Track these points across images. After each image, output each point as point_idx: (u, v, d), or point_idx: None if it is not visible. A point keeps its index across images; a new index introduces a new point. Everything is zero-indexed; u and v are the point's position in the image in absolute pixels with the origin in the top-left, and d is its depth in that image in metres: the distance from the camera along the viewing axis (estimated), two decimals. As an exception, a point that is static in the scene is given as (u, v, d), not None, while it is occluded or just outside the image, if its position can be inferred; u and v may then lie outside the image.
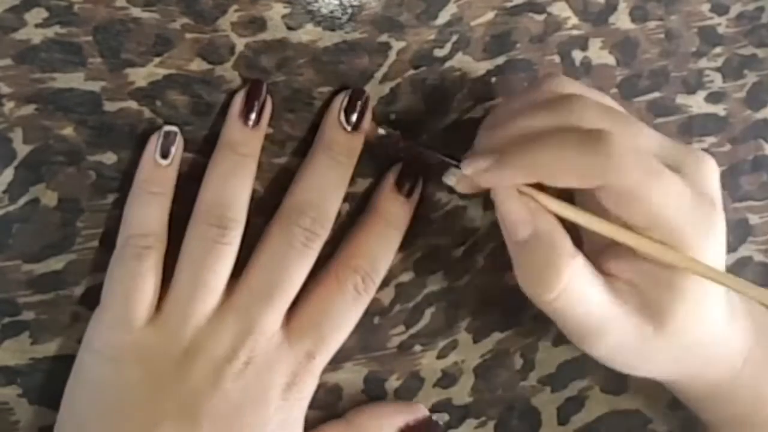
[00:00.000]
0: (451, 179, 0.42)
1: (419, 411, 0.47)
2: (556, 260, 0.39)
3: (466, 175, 0.41)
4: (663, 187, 0.38)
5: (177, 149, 0.42)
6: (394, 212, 0.45)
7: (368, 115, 0.44)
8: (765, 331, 0.44)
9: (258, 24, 0.43)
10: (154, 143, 0.42)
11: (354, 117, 0.44)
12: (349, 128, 0.44)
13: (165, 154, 0.42)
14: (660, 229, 0.39)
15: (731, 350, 0.43)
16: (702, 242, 0.39)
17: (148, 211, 0.42)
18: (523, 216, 0.39)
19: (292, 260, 0.42)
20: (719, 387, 0.44)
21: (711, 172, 0.40)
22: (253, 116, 0.43)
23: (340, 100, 0.44)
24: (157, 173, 0.42)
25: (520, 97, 0.43)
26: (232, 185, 0.42)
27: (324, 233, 0.43)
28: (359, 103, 0.44)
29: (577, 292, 0.40)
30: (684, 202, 0.38)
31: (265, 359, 0.42)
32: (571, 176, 0.38)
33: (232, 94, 0.44)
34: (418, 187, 0.46)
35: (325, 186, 0.43)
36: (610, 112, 0.40)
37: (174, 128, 0.43)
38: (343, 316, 0.44)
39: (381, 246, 0.45)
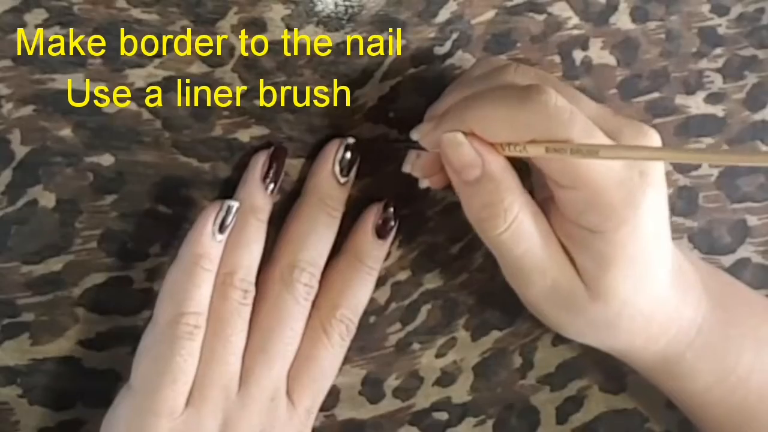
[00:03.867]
0: (406, 166, 0.43)
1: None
2: (507, 195, 0.39)
3: (417, 157, 0.42)
4: None
5: (233, 225, 0.41)
6: (374, 256, 0.45)
7: (356, 165, 0.45)
8: (719, 300, 0.44)
9: (258, 25, 0.43)
10: (214, 215, 0.41)
11: (349, 169, 0.44)
12: (342, 181, 0.44)
13: (223, 229, 0.41)
14: (585, 191, 0.38)
15: (682, 320, 0.43)
16: (628, 213, 0.39)
17: (201, 288, 0.41)
18: (473, 158, 0.39)
19: (297, 317, 0.43)
20: (675, 358, 0.44)
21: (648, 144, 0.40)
22: (273, 184, 0.43)
23: (335, 151, 0.44)
24: (214, 249, 0.41)
25: (460, 80, 0.44)
26: (252, 251, 0.42)
27: (317, 286, 0.43)
28: (353, 154, 0.44)
29: (522, 227, 0.40)
30: (612, 166, 0.38)
31: (279, 424, 0.42)
32: (505, 128, 0.38)
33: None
34: (395, 228, 0.46)
35: (321, 240, 0.44)
36: (549, 77, 0.41)
37: (236, 203, 0.41)
38: (334, 366, 0.44)
39: (363, 292, 0.45)
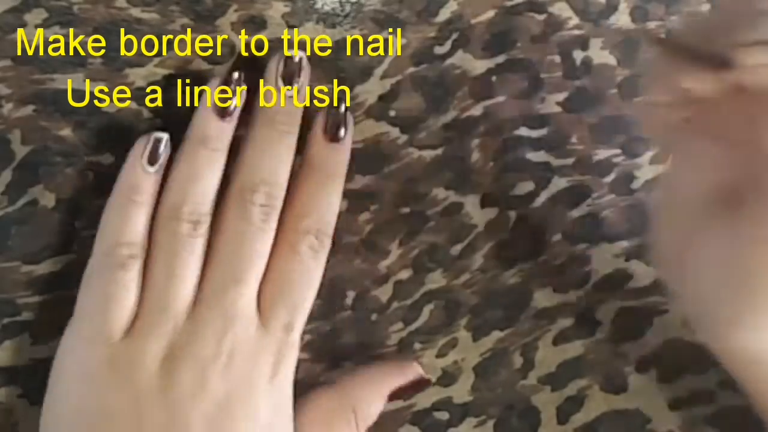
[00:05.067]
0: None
1: (410, 370, 0.46)
2: None
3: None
4: None
5: (164, 157, 0.41)
6: (329, 159, 0.43)
7: (305, 78, 0.43)
8: None
9: (258, 23, 0.43)
10: (142, 149, 0.41)
11: (290, 80, 0.42)
12: (290, 94, 0.42)
13: (153, 161, 0.41)
14: None
15: None
16: None
17: (133, 219, 0.40)
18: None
19: (255, 239, 0.41)
20: None
21: None
22: (228, 108, 0.42)
23: (276, 66, 0.43)
24: (143, 181, 0.41)
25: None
26: (203, 182, 0.41)
27: (279, 204, 0.42)
28: (295, 67, 0.42)
29: None
30: None
31: (247, 347, 0.41)
32: None
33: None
34: (348, 129, 0.44)
35: (273, 158, 0.42)
36: None
37: (164, 135, 0.41)
38: (307, 278, 0.42)
39: (324, 198, 0.43)
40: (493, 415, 0.48)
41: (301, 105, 0.43)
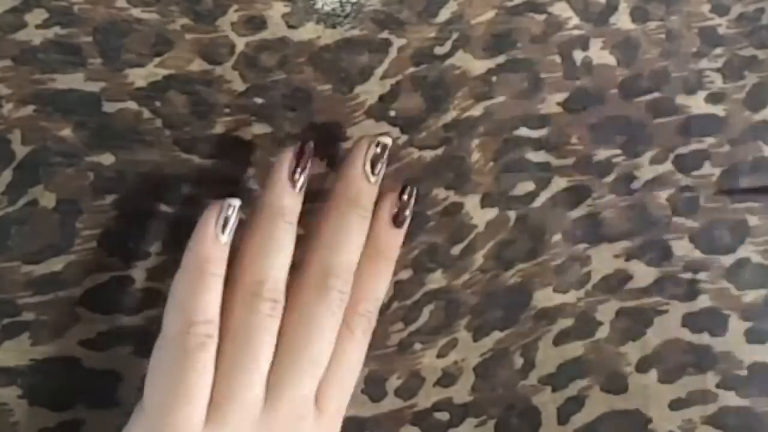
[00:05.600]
0: None
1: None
2: None
3: None
4: None
5: (235, 224, 0.39)
6: (392, 246, 0.43)
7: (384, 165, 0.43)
8: None
9: (258, 23, 0.43)
10: (215, 216, 0.39)
11: (378, 168, 0.42)
12: (372, 180, 0.42)
13: (225, 230, 0.39)
14: None
15: None
16: None
17: (210, 295, 0.38)
18: None
19: (331, 327, 0.40)
20: None
21: None
22: (302, 179, 0.41)
23: (365, 149, 0.42)
24: (219, 252, 0.39)
25: None
26: (282, 257, 0.40)
27: (350, 289, 0.41)
28: (383, 152, 0.42)
29: None
30: None
31: None
32: None
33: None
34: (410, 215, 0.44)
35: (353, 242, 0.41)
36: None
37: (237, 201, 0.40)
38: (359, 361, 0.42)
39: (382, 284, 0.43)
40: (493, 415, 0.48)
41: (377, 190, 0.43)
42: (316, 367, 0.40)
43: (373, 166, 0.42)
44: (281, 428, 0.39)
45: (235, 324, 0.39)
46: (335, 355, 0.41)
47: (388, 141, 0.42)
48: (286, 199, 0.40)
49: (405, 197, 0.43)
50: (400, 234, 0.43)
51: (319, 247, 0.41)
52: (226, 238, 0.39)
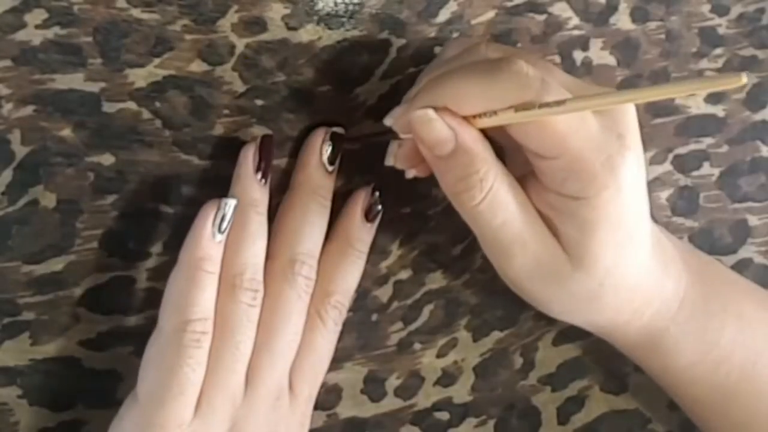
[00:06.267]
0: (389, 158, 0.43)
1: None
2: (482, 165, 0.39)
3: (399, 147, 0.42)
4: (568, 114, 0.37)
5: (231, 222, 0.41)
6: (363, 239, 0.45)
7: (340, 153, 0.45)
8: (699, 276, 0.44)
9: (258, 24, 0.43)
10: (212, 215, 0.40)
11: (335, 158, 0.44)
12: (330, 169, 0.44)
13: (222, 230, 0.40)
14: (566, 158, 0.38)
15: (664, 294, 0.43)
16: (608, 177, 0.38)
17: (204, 293, 0.40)
18: (444, 132, 0.38)
19: (300, 311, 0.42)
20: (659, 333, 0.43)
21: (624, 110, 0.39)
22: (266, 174, 0.42)
23: (321, 141, 0.44)
24: (214, 250, 0.40)
25: (433, 62, 0.44)
26: (257, 248, 0.41)
27: (315, 276, 0.43)
28: (339, 143, 0.44)
29: (499, 197, 0.39)
30: (590, 132, 0.38)
31: (284, 420, 0.42)
32: (479, 100, 0.38)
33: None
34: (381, 211, 0.45)
35: (315, 231, 0.43)
36: (521, 51, 0.41)
37: (234, 201, 0.41)
38: (330, 350, 0.44)
39: (353, 276, 0.45)
40: (493, 415, 0.48)
41: (334, 179, 0.44)
42: (288, 351, 0.42)
43: (329, 157, 0.44)
44: (260, 412, 0.41)
45: (220, 317, 0.40)
46: (307, 342, 0.43)
47: (341, 131, 0.44)
48: (255, 192, 0.42)
49: (377, 193, 0.45)
50: (371, 229, 0.45)
51: (284, 237, 0.43)
52: (221, 237, 0.40)
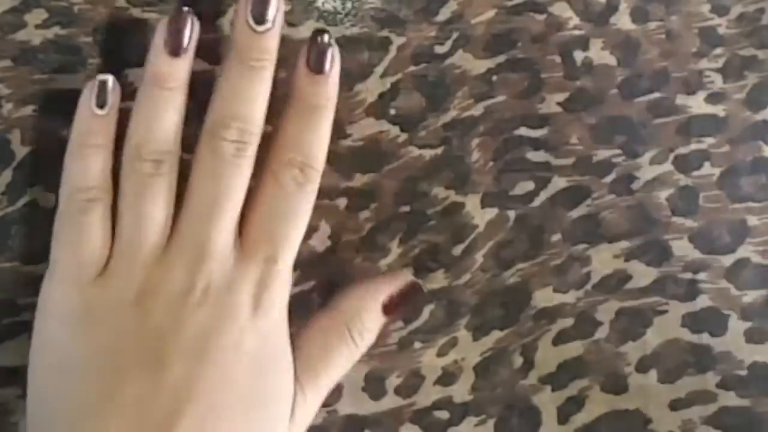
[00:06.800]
0: None
1: (400, 278, 0.45)
2: None
3: None
4: None
5: (113, 98, 0.41)
6: (314, 91, 0.42)
7: (279, 11, 0.42)
8: None
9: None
10: (89, 93, 0.41)
11: (263, 15, 0.41)
12: (259, 29, 0.41)
13: (101, 104, 0.40)
14: None
15: None
16: None
17: (89, 163, 0.40)
18: None
19: (227, 174, 0.41)
20: None
21: None
22: (179, 44, 0.41)
23: (245, 0, 0.41)
24: (95, 124, 0.41)
25: None
26: (162, 122, 0.41)
27: (255, 140, 0.41)
28: (267, 3, 0.41)
29: None
30: None
31: (223, 281, 0.40)
32: None
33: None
34: (334, 62, 0.42)
35: (245, 94, 0.41)
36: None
37: (109, 77, 0.41)
38: (292, 210, 0.42)
39: (311, 131, 0.42)
40: (493, 414, 0.48)
41: (275, 41, 0.42)
42: (213, 212, 0.40)
43: (255, 16, 0.41)
44: (180, 266, 0.40)
45: (123, 187, 0.41)
46: (258, 203, 0.41)
47: None
48: (162, 65, 0.41)
49: (318, 40, 0.42)
50: (322, 81, 0.42)
51: (211, 105, 0.42)
52: (105, 111, 0.40)
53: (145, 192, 0.40)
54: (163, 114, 0.41)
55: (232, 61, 0.41)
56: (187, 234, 0.40)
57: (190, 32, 0.41)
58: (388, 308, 0.44)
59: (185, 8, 0.41)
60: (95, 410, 0.38)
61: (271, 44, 0.42)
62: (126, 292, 0.40)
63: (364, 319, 0.44)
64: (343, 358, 0.44)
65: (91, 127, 0.40)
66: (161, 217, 0.40)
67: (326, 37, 0.42)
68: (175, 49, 0.41)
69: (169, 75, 0.41)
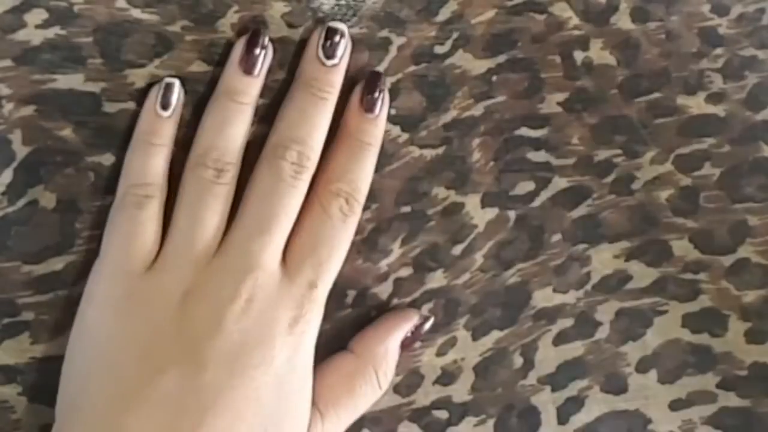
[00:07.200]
0: None
1: (412, 317, 0.47)
2: None
3: None
4: None
5: (177, 101, 0.43)
6: (364, 129, 0.45)
7: (346, 49, 0.45)
8: None
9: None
10: (155, 95, 0.43)
11: (333, 52, 0.44)
12: (328, 63, 0.44)
13: (165, 106, 0.42)
14: None
15: None
16: None
17: (148, 161, 0.42)
18: None
19: (283, 194, 0.42)
20: None
21: None
22: (254, 65, 0.43)
23: (318, 36, 0.44)
24: (158, 125, 0.42)
25: None
26: (228, 133, 0.43)
27: (311, 165, 0.43)
28: (337, 38, 0.44)
29: None
30: None
31: (267, 296, 0.41)
32: None
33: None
34: (384, 101, 0.45)
35: (308, 121, 0.43)
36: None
37: (175, 80, 0.43)
38: (336, 239, 0.44)
39: (358, 165, 0.44)
40: (492, 414, 0.48)
41: (341, 75, 0.45)
42: (266, 228, 0.42)
43: (326, 51, 0.44)
44: (228, 277, 0.41)
45: (183, 190, 0.42)
46: (303, 225, 0.43)
47: (340, 26, 0.45)
48: (234, 81, 0.43)
49: (375, 82, 0.45)
50: (372, 120, 0.45)
51: (275, 126, 0.44)
52: (168, 113, 0.42)
53: (205, 197, 0.42)
54: (232, 125, 0.43)
55: (298, 88, 0.44)
56: (238, 245, 0.42)
57: (263, 56, 0.44)
58: (405, 345, 0.46)
59: (261, 30, 0.44)
60: (127, 401, 0.39)
61: (337, 79, 0.44)
62: (172, 289, 0.41)
63: (389, 362, 0.46)
64: (366, 398, 0.45)
65: (153, 127, 0.42)
66: (216, 223, 0.42)
67: (382, 81, 0.45)
68: (248, 69, 0.43)
69: (242, 91, 0.43)
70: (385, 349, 0.46)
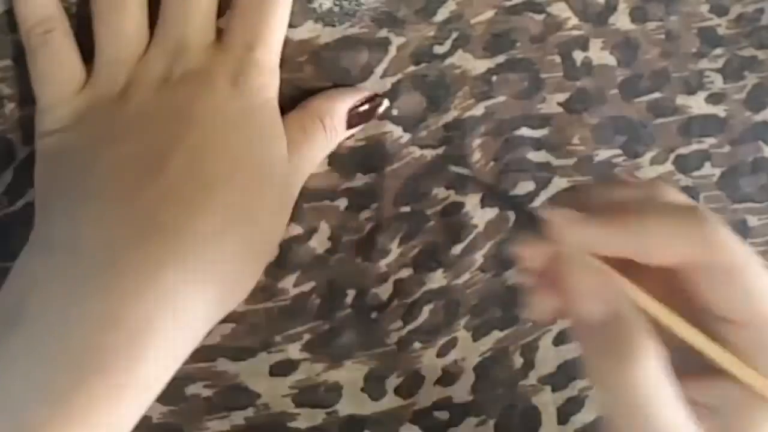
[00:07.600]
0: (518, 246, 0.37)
1: (363, 92, 0.45)
2: (637, 342, 0.32)
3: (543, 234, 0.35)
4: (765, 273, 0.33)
5: None
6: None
7: None
8: None
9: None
10: None
11: None
12: None
13: None
14: (757, 323, 0.33)
15: None
16: None
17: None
18: (601, 290, 0.33)
19: None
20: None
21: None
22: None
23: None
24: None
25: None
26: None
27: None
28: None
29: (648, 389, 0.32)
30: None
31: (202, 66, 0.41)
32: (673, 246, 0.33)
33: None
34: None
35: None
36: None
37: None
38: (268, 2, 0.42)
39: None
40: (493, 415, 0.49)
41: None
42: (189, 11, 0.41)
43: None
44: (158, 60, 0.41)
45: (94, 6, 0.41)
46: (236, 3, 0.42)
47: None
48: None
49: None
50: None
51: None
52: None
53: (117, 5, 0.41)
54: None
55: None
56: (164, 35, 0.41)
57: None
58: (352, 120, 0.45)
59: None
60: (89, 173, 0.39)
61: None
62: (111, 91, 0.41)
63: (334, 118, 0.44)
64: (318, 143, 0.44)
65: None
66: (136, 25, 0.41)
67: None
68: None
69: None
70: (331, 104, 0.44)
